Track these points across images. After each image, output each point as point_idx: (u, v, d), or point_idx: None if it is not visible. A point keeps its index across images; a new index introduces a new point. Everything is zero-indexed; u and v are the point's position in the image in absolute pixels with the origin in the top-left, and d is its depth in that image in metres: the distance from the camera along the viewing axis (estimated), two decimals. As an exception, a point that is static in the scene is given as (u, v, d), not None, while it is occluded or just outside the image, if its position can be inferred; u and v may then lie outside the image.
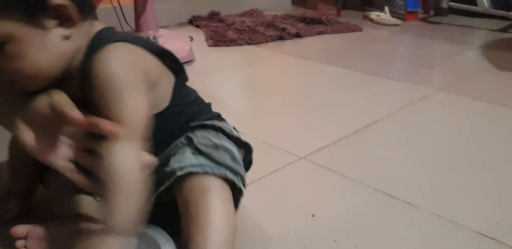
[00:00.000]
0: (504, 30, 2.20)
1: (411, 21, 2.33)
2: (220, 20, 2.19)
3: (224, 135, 0.69)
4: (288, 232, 0.72)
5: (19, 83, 0.57)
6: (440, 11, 2.42)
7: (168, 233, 0.64)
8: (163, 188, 0.62)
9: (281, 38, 1.96)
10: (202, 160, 0.63)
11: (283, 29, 2.01)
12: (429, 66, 1.65)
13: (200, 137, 0.66)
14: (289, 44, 1.93)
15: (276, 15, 2.29)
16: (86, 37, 0.59)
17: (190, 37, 1.89)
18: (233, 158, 0.66)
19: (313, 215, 0.77)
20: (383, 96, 1.35)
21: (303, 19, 2.21)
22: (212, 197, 0.60)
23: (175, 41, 1.68)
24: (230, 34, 1.94)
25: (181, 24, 2.24)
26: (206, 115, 0.71)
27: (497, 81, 1.48)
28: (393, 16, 2.30)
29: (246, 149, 0.72)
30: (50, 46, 0.56)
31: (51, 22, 0.56)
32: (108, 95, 0.54)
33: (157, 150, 0.65)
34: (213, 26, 2.07)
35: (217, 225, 0.58)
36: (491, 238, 0.72)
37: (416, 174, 0.92)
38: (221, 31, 1.99)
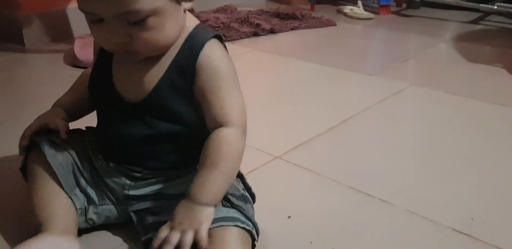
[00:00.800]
0: (475, 22, 2.22)
1: (384, 15, 2.34)
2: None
3: (241, 180, 0.73)
4: (263, 233, 0.71)
5: (142, 53, 0.61)
6: (412, 4, 2.44)
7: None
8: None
9: (255, 34, 1.95)
10: (234, 214, 0.63)
11: (258, 25, 1.99)
12: (403, 60, 1.66)
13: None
14: (263, 40, 1.92)
15: (250, 10, 2.27)
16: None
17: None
18: (253, 212, 0.68)
19: (289, 217, 0.77)
20: (357, 92, 1.35)
21: (277, 15, 2.20)
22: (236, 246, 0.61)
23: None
24: (204, 31, 1.91)
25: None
26: None
27: (468, 74, 1.50)
28: (366, 10, 2.31)
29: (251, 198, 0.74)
30: (180, 19, 0.62)
31: None
32: (221, 87, 0.63)
33: (173, 172, 0.69)
34: (186, 23, 2.04)
35: None
36: (465, 234, 0.73)
37: (391, 170, 0.92)
38: (194, 28, 1.96)
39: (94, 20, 0.59)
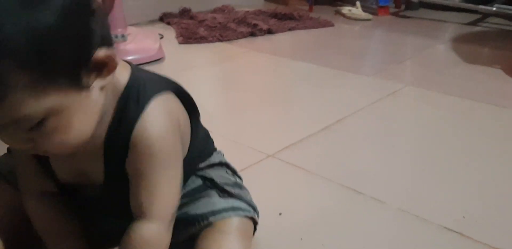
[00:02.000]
0: (474, 23, 2.22)
1: (383, 16, 2.34)
2: (191, 17, 2.17)
3: (229, 170, 0.70)
4: (255, 231, 0.71)
5: (56, 153, 0.50)
6: (410, 6, 2.44)
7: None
8: (193, 230, 0.60)
9: (252, 34, 1.95)
10: (233, 202, 0.62)
11: (255, 25, 1.99)
12: (399, 61, 1.65)
13: (217, 177, 0.65)
14: (260, 40, 1.92)
15: (248, 11, 2.28)
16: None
17: (160, 34, 1.86)
18: (250, 196, 0.67)
19: (280, 214, 0.77)
20: (353, 92, 1.35)
21: (275, 15, 2.21)
22: (235, 238, 0.59)
23: (144, 39, 1.66)
24: (201, 31, 1.92)
25: (151, 22, 2.21)
26: (211, 148, 0.70)
27: (465, 75, 1.50)
28: (364, 11, 2.31)
29: None
30: (92, 106, 0.48)
31: (91, 77, 0.46)
32: (153, 171, 0.51)
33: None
34: (184, 23, 2.05)
35: None
36: (457, 232, 0.73)
37: (383, 169, 0.92)
38: (192, 28, 1.97)
39: None
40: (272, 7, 2.44)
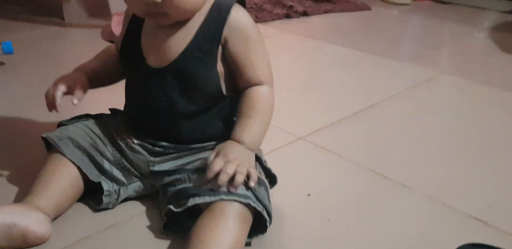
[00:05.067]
0: (515, 11, 2.16)
1: (421, 1, 2.30)
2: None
3: (259, 163, 0.73)
4: (282, 210, 0.74)
5: (171, 16, 0.63)
6: (451, -9, 2.38)
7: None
8: (201, 201, 0.63)
9: (287, 16, 1.95)
10: (247, 192, 0.63)
11: (290, 7, 1.99)
12: (436, 47, 1.64)
13: None
14: (295, 22, 1.92)
15: (284, -8, 2.27)
16: None
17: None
18: (268, 196, 0.68)
19: (308, 194, 0.79)
20: (387, 77, 1.35)
21: (312, -3, 2.19)
22: (234, 221, 0.61)
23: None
24: (237, 11, 1.92)
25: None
26: None
27: (501, 65, 1.48)
28: (403, -5, 2.27)
29: (271, 180, 0.75)
30: None
31: None
32: (252, 50, 0.67)
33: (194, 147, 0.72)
34: (221, 3, 2.06)
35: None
36: (481, 221, 0.74)
37: (413, 156, 0.93)
38: (228, 8, 1.97)
39: None
40: (309, -12, 2.42)
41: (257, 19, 1.87)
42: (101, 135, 0.74)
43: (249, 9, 1.96)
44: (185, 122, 0.70)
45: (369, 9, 2.12)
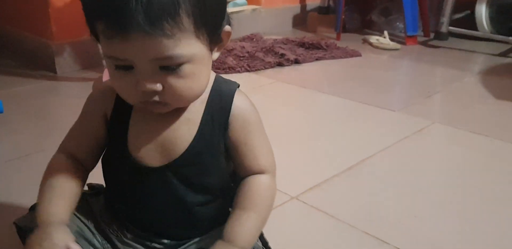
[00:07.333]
0: (504, 54, 2.19)
1: (411, 45, 2.34)
2: (220, 45, 2.20)
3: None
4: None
5: (171, 104, 0.58)
6: (440, 35, 2.42)
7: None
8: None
9: (280, 64, 1.97)
10: None
11: (282, 55, 2.01)
12: (427, 95, 1.64)
13: None
14: (288, 70, 1.94)
15: (276, 39, 2.30)
16: None
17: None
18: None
19: (301, 263, 0.76)
20: (379, 129, 1.35)
21: (303, 44, 2.22)
22: None
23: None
24: (230, 60, 1.94)
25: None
26: None
27: (494, 112, 1.48)
28: (392, 40, 2.31)
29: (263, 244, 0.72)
30: (209, 68, 0.60)
31: (215, 46, 0.60)
32: (253, 137, 0.63)
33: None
34: (213, 52, 2.08)
35: None
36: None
37: (409, 216, 0.91)
38: (220, 57, 2.00)
39: (121, 67, 0.53)
40: (300, 34, 2.46)
41: (250, 68, 1.89)
42: (86, 221, 0.66)
43: (241, 58, 1.98)
44: (190, 216, 0.65)
45: (360, 55, 2.15)
